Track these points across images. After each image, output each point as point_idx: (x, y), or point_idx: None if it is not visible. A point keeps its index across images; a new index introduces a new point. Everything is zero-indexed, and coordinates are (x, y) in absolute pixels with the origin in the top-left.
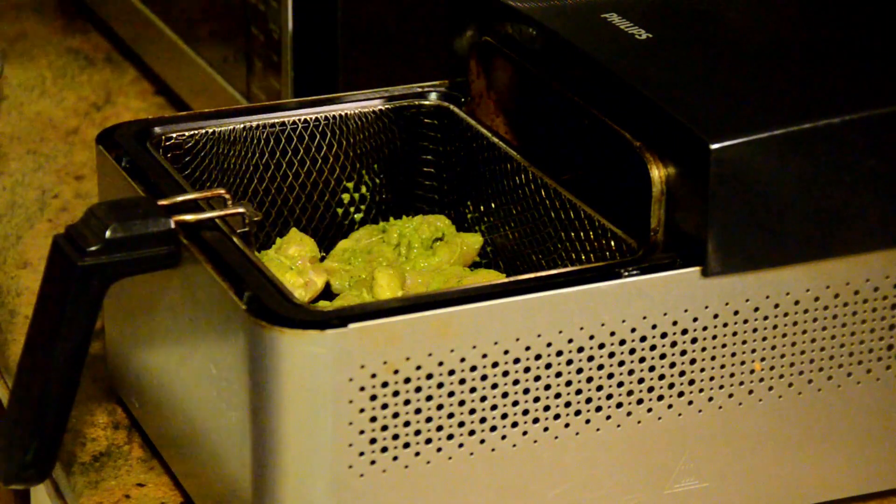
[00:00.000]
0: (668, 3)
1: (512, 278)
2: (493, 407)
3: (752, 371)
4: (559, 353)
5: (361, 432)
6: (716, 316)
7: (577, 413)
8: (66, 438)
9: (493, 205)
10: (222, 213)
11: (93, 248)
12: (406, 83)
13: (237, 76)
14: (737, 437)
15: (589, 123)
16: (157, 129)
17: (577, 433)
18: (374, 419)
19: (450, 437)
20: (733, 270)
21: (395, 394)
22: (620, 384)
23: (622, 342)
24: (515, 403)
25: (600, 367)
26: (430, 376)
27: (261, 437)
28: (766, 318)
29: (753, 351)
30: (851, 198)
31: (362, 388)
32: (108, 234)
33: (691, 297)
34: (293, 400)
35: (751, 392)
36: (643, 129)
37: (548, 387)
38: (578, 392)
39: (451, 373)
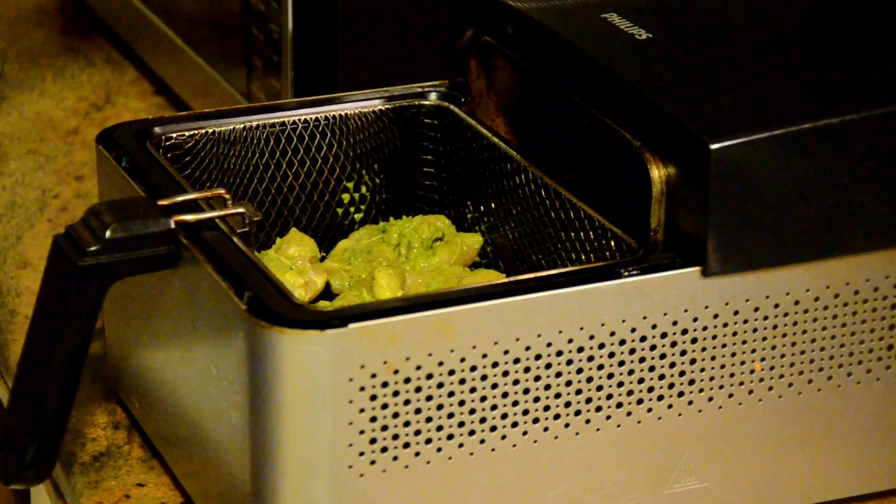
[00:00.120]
0: (668, 3)
1: (512, 278)
2: (493, 407)
3: (752, 371)
4: (559, 353)
5: (361, 432)
6: (716, 316)
7: (577, 413)
8: (66, 438)
9: (493, 205)
10: (222, 213)
11: (93, 248)
12: (406, 83)
13: (237, 76)
14: (737, 437)
15: (589, 123)
16: (157, 129)
17: (577, 433)
18: (374, 419)
19: (450, 437)
20: (733, 270)
21: (395, 394)
22: (620, 384)
23: (622, 342)
24: (515, 403)
25: (600, 367)
26: (430, 376)
27: (261, 436)
28: (766, 318)
29: (753, 351)
30: (851, 198)
31: (362, 388)
32: (108, 234)
33: (691, 297)
34: (293, 400)
35: (751, 392)
36: (643, 129)
37: (548, 387)
38: (578, 392)
39: (451, 373)
